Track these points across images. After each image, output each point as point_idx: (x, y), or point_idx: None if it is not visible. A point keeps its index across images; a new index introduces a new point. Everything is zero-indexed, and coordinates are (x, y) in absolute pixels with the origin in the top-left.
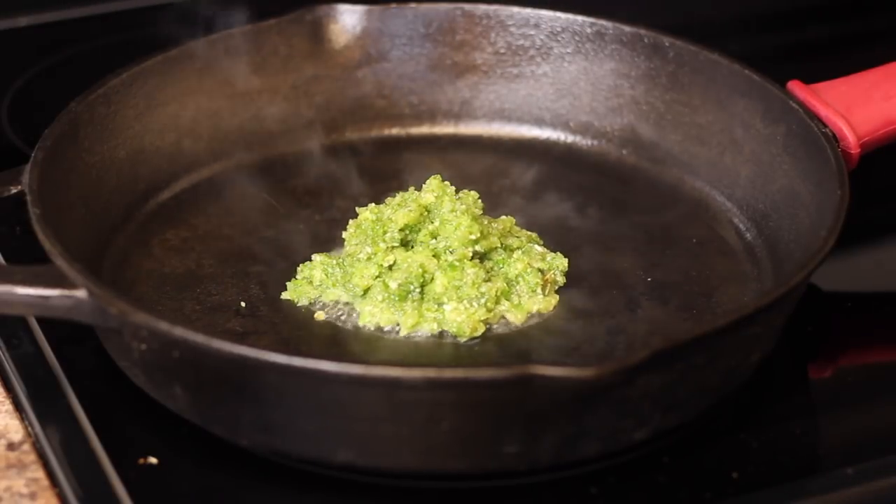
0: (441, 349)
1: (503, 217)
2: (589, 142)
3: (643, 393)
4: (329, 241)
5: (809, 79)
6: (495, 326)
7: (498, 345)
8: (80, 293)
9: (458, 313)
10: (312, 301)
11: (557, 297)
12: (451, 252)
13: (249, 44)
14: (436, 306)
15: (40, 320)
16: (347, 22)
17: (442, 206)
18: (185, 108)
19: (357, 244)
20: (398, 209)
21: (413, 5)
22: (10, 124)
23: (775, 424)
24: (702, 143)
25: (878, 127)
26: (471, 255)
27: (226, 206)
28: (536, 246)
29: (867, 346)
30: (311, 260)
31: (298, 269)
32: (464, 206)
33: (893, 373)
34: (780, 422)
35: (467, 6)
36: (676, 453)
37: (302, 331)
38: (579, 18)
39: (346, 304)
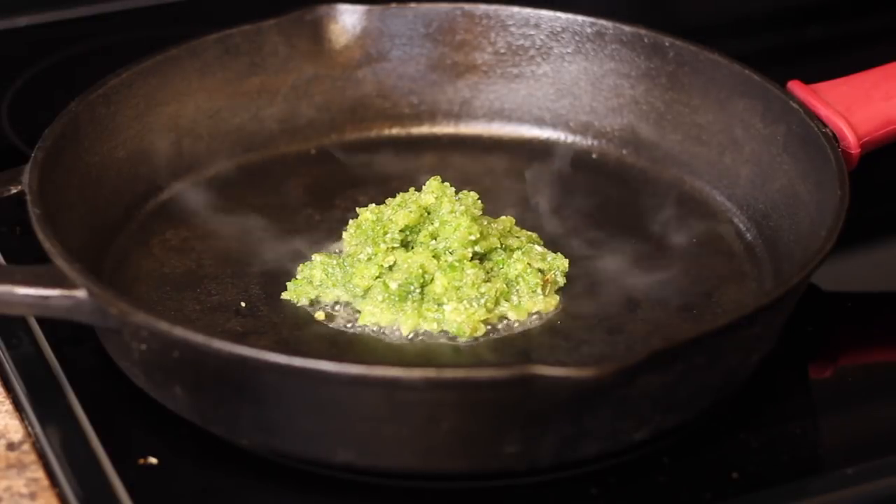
0: (441, 349)
1: (503, 217)
2: (589, 142)
3: (643, 393)
4: (329, 241)
5: (809, 79)
6: (495, 327)
7: (498, 345)
8: (80, 293)
9: (458, 314)
10: (312, 301)
11: (557, 297)
12: (450, 253)
13: (249, 44)
14: (436, 307)
15: (40, 320)
16: (347, 22)
17: (441, 206)
18: (185, 108)
19: (357, 244)
20: (398, 210)
21: (413, 5)
22: (10, 124)
23: (775, 424)
24: (702, 143)
25: (878, 127)
26: (470, 255)
27: (226, 205)
28: (536, 246)
29: (867, 346)
30: (311, 260)
31: (298, 269)
32: (463, 207)
33: (893, 373)
34: (780, 422)
35: (467, 6)
36: (676, 453)
37: (302, 331)
38: (579, 18)
39: (347, 304)
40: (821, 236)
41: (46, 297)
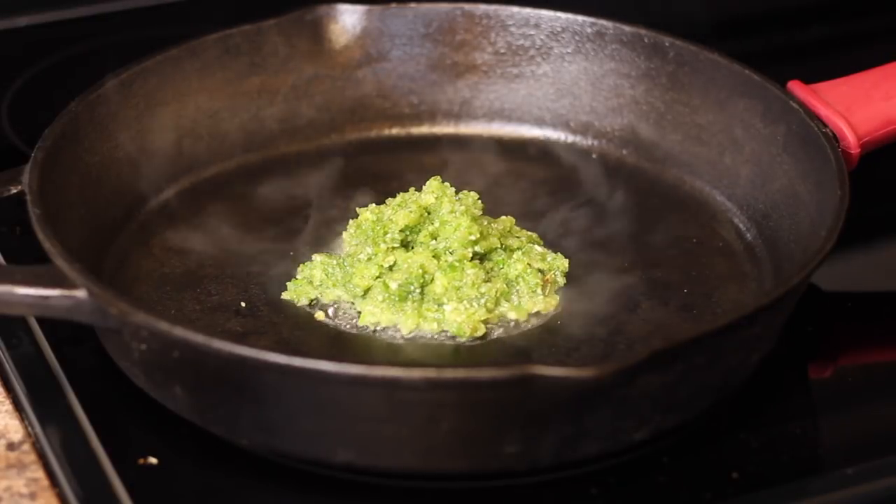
0: (441, 349)
1: (503, 217)
2: (589, 142)
3: (643, 393)
4: (329, 241)
5: (809, 79)
6: (495, 327)
7: (498, 345)
8: (80, 293)
9: (458, 314)
10: (312, 301)
11: (557, 297)
12: (451, 253)
13: (249, 44)
14: (436, 307)
15: (40, 320)
16: (347, 22)
17: (441, 206)
18: (185, 108)
19: (357, 244)
20: (398, 210)
21: (413, 5)
22: (10, 124)
23: (775, 424)
24: (702, 143)
25: (878, 127)
26: (471, 255)
27: (226, 206)
28: (536, 246)
29: (867, 346)
30: (311, 260)
31: (298, 269)
32: (463, 207)
33: (893, 373)
34: (780, 422)
35: (467, 6)
36: (676, 453)
37: (302, 331)
38: (579, 18)
39: (347, 304)
40: (821, 236)
41: (46, 297)
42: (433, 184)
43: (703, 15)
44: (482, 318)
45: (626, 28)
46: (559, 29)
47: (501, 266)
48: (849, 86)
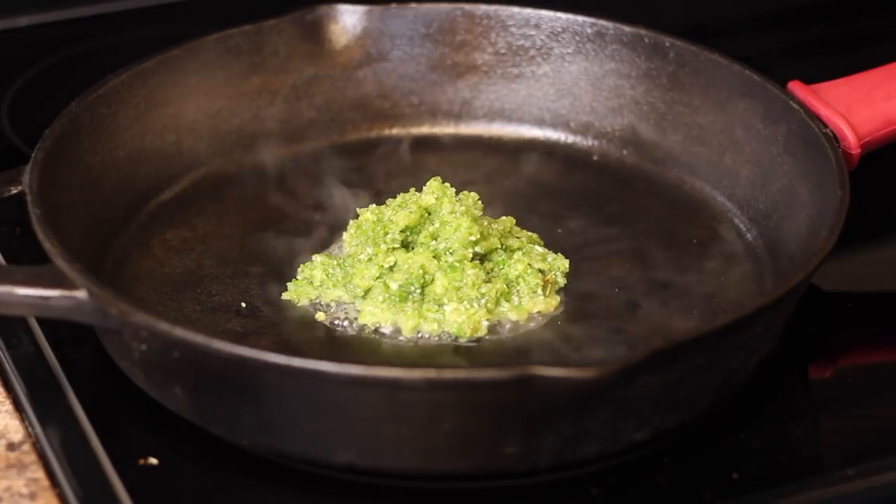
0: (441, 350)
1: (503, 218)
2: (589, 142)
3: (643, 393)
4: (329, 241)
5: (809, 79)
6: (496, 327)
7: (498, 346)
8: (81, 294)
9: (458, 314)
10: (313, 301)
11: (558, 297)
12: (451, 253)
13: (249, 44)
14: (436, 307)
15: (40, 320)
16: (348, 22)
17: (442, 207)
18: (185, 108)
19: (358, 245)
20: (399, 210)
21: (413, 5)
22: (10, 124)
23: (775, 424)
24: (702, 143)
25: (878, 127)
26: (471, 256)
27: (226, 206)
28: (537, 247)
29: (867, 346)
30: (311, 260)
31: (299, 269)
32: (463, 208)
33: (893, 373)
34: (780, 422)
35: (468, 6)
36: (676, 454)
37: (302, 331)
38: (580, 18)
39: (347, 304)
40: (821, 236)
41: (46, 298)
42: (433, 184)
43: (704, 15)
44: (482, 319)
45: (627, 28)
46: (559, 29)
47: (502, 266)
48: (849, 86)
